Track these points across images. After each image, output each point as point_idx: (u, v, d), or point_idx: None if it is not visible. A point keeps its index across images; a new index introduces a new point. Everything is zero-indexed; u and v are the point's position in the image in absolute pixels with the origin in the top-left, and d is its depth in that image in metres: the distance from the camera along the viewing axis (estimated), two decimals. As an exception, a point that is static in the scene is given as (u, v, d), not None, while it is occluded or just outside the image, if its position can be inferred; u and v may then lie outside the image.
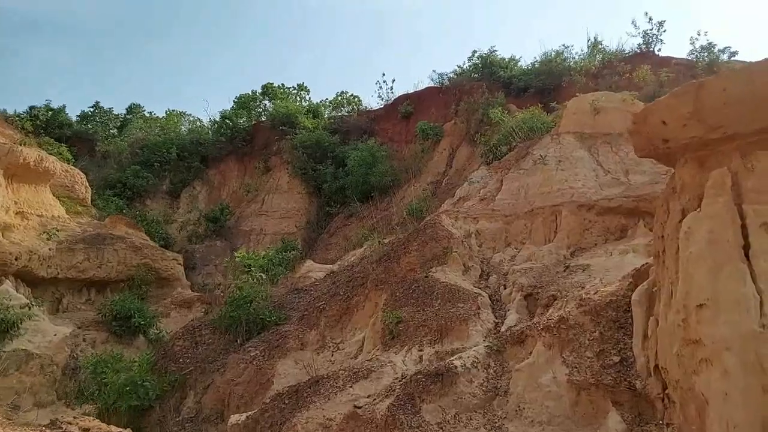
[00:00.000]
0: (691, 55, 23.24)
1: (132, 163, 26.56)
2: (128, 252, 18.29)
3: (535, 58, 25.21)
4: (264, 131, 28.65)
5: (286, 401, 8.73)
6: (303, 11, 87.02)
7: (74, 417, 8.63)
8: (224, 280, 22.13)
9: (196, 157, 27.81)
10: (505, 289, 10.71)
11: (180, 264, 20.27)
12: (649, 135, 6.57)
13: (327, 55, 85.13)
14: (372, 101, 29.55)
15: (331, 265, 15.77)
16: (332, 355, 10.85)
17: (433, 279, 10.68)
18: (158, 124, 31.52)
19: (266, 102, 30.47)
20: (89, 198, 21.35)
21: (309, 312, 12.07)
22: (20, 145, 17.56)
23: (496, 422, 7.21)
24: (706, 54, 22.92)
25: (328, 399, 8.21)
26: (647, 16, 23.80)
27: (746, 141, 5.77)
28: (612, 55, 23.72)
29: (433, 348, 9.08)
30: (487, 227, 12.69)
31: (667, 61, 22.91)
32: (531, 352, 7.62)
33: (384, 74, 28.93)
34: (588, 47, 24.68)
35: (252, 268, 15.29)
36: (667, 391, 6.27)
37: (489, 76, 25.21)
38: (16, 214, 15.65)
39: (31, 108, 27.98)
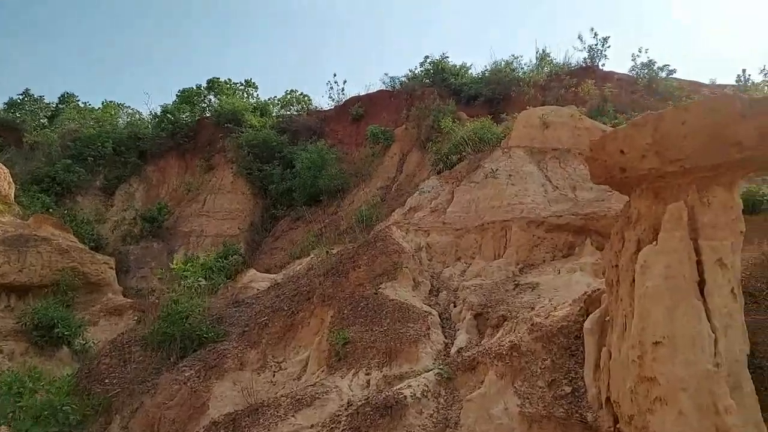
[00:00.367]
0: (632, 72, 24.15)
1: (63, 156, 24.82)
2: (53, 254, 16.95)
3: (485, 66, 25.40)
4: (208, 128, 27.43)
5: (222, 432, 8.13)
6: (256, 5, 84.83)
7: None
8: (160, 285, 20.95)
9: (134, 153, 26.29)
10: (455, 307, 10.49)
11: (111, 268, 18.99)
12: (607, 163, 6.46)
13: (277, 52, 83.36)
14: (323, 102, 28.91)
15: (275, 275, 15.11)
16: (274, 376, 10.25)
17: (382, 296, 10.31)
18: (93, 116, 29.65)
19: (211, 97, 29.21)
20: (12, 194, 19.66)
21: (250, 328, 11.40)
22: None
23: (446, 455, 6.93)
24: (646, 71, 23.88)
25: (269, 430, 7.67)
26: (593, 32, 24.41)
27: (703, 175, 5.73)
28: (559, 68, 24.22)
29: (381, 371, 8.71)
30: (437, 240, 12.47)
31: (611, 76, 23.66)
32: (483, 381, 7.40)
33: (335, 74, 28.29)
34: (536, 59, 25.10)
35: (189, 279, 14.38)
36: (618, 425, 6.17)
37: (440, 83, 25.18)
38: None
39: (-51, 93, 25.68)
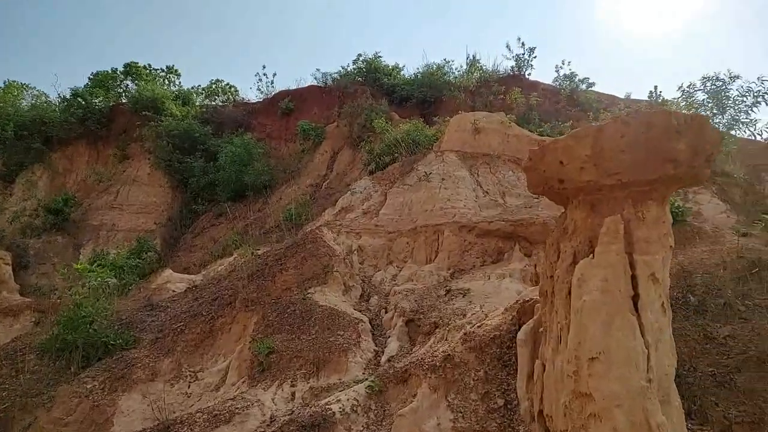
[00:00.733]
0: (556, 82, 25.13)
1: (-44, 139, 22.18)
2: (-61, 250, 15.00)
3: (417, 68, 25.49)
4: (124, 115, 25.48)
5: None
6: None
7: None
8: (63, 283, 19.12)
9: (38, 138, 23.89)
10: (386, 312, 10.20)
11: (8, 264, 17.19)
12: (546, 174, 6.37)
13: (203, 40, 79.65)
14: (250, 93, 27.84)
15: (194, 276, 14.14)
16: (189, 387, 9.44)
17: (311, 301, 9.81)
18: (-7, 96, 26.71)
19: (128, 82, 27.16)
20: None
21: (164, 334, 10.49)
22: None
23: (375, 473, 6.59)
24: (568, 82, 24.94)
25: (182, 451, 6.98)
26: (520, 42, 25.16)
27: (639, 189, 5.75)
28: (488, 75, 24.74)
29: (308, 383, 8.22)
30: (369, 243, 12.13)
31: (536, 85, 24.48)
32: (415, 394, 7.13)
33: (264, 66, 27.35)
34: (467, 64, 25.51)
35: (95, 279, 13.08)
36: (550, 440, 6.09)
37: (373, 82, 24.97)
38: None
39: None
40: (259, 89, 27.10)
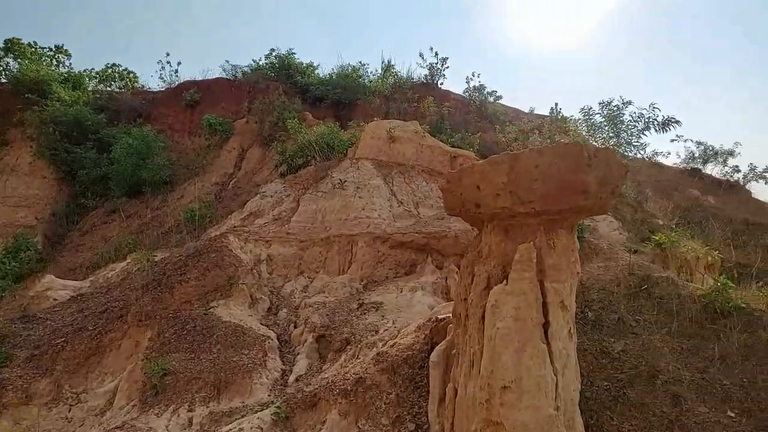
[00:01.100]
0: (466, 93, 25.94)
1: None
2: None
3: (332, 69, 25.10)
4: (2, 96, 22.67)
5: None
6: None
7: None
8: None
9: None
10: (296, 327, 9.79)
11: None
12: (463, 196, 6.37)
13: (99, 20, 73.29)
14: (152, 82, 25.90)
15: (80, 282, 12.77)
16: (70, 411, 8.44)
17: (214, 317, 9.17)
18: None
19: (9, 60, 24.19)
20: None
21: (42, 351, 9.32)
22: None
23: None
24: (477, 94, 25.85)
25: (58, 494, 6.17)
26: (433, 51, 25.66)
27: (551, 218, 5.88)
28: (402, 81, 24.93)
29: (208, 407, 7.63)
30: (280, 252, 11.62)
31: (447, 95, 25.09)
32: (324, 420, 6.82)
33: (168, 54, 25.43)
34: (382, 69, 25.54)
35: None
36: (460, 465, 6.08)
37: (286, 79, 24.25)
38: None
39: None
40: (162, 78, 25.33)
